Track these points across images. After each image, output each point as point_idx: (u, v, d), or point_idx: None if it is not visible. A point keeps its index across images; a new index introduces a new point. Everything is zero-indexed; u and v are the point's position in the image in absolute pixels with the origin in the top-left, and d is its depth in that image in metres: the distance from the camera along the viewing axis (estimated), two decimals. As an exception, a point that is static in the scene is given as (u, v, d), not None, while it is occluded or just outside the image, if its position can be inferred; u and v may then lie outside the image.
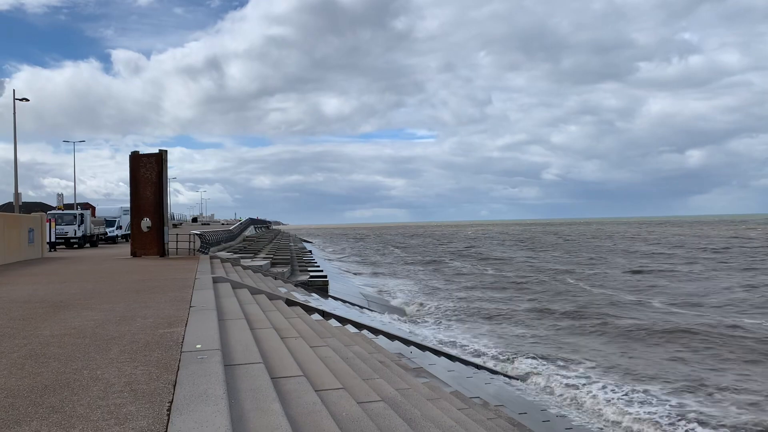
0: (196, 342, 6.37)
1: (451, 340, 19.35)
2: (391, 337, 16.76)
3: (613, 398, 12.95)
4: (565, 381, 14.43)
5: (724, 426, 11.11)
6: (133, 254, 21.99)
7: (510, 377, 15.04)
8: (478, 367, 15.72)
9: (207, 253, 23.82)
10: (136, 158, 21.90)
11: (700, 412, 11.83)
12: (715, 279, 34.01)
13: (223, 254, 25.40)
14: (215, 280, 13.83)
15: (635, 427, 11.29)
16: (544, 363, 16.19)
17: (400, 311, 25.13)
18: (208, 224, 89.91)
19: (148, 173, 21.60)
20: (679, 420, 11.47)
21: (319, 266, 34.83)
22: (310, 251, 55.51)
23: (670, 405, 12.41)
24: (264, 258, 28.98)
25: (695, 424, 11.22)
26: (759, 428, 11.03)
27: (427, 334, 20.16)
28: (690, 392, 13.24)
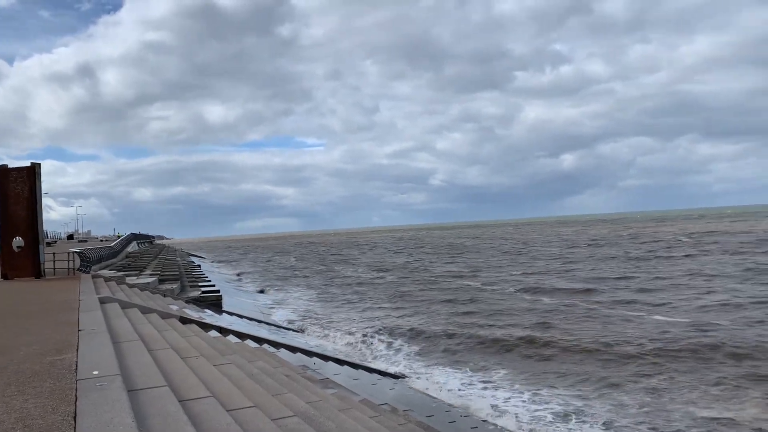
0: (92, 368, 5.86)
1: (350, 347, 19.32)
2: (293, 349, 16.49)
3: (510, 398, 13.47)
4: (465, 382, 14.83)
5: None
6: (4, 277, 20.10)
7: (413, 380, 15.23)
8: (381, 373, 15.80)
9: (88, 272, 22.24)
10: (4, 172, 20.05)
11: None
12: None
13: (106, 272, 23.85)
14: (102, 301, 12.92)
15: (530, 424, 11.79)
16: (446, 366, 16.52)
17: (297, 323, 24.77)
18: (86, 241, 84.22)
19: (19, 188, 19.81)
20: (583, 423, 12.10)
21: (210, 281, 33.58)
22: (199, 265, 53.51)
23: (558, 403, 13.08)
24: (151, 275, 27.51)
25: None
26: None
27: (326, 344, 20.00)
28: (600, 397, 14.00)
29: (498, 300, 27.91)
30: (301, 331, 23.03)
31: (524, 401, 12.99)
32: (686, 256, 45.25)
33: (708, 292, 25.95)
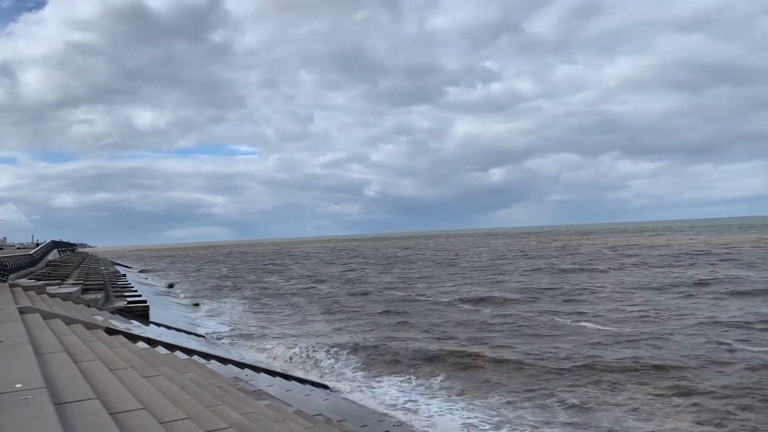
0: (15, 381, 5.59)
1: (285, 359, 19.11)
2: (224, 360, 16.15)
3: (445, 409, 13.66)
4: (401, 392, 14.95)
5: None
6: None
7: (345, 390, 15.22)
8: (314, 384, 15.70)
9: (5, 281, 21.09)
10: None
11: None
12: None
13: (25, 281, 22.65)
14: (22, 311, 12.29)
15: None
16: (380, 377, 16.59)
17: (228, 334, 24.28)
18: (1, 249, 79.68)
19: (-71, 192, 18.76)
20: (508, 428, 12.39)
21: (136, 291, 32.46)
22: (125, 275, 51.60)
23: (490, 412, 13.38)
24: (73, 284, 26.33)
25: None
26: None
27: (259, 355, 19.71)
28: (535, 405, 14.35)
29: (433, 310, 28.25)
30: (232, 342, 22.58)
31: (459, 410, 13.21)
32: (610, 268, 47.20)
33: (632, 304, 27.19)
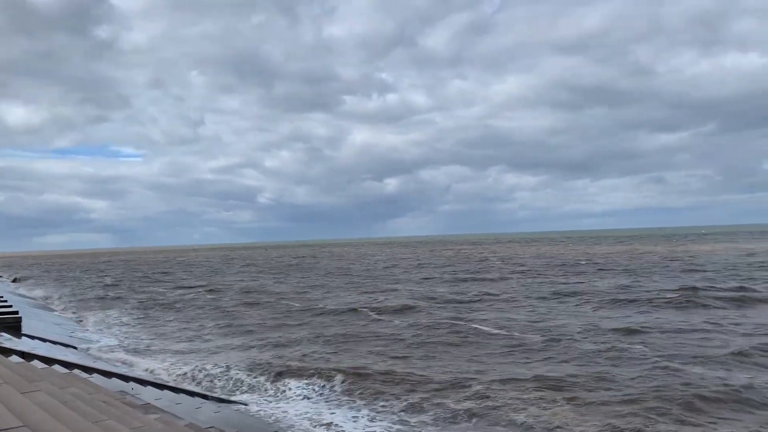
0: None
1: (171, 371, 18.42)
2: (107, 374, 15.35)
3: (348, 420, 13.73)
4: (297, 403, 14.85)
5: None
6: None
7: (238, 402, 14.92)
8: (204, 396, 15.25)
9: None
10: None
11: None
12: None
13: None
14: None
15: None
16: (278, 390, 16.38)
17: (112, 346, 23.04)
18: None
19: None
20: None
21: (6, 300, 30.01)
22: (-7, 284, 47.52)
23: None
24: (-68, 294, 23.99)
25: None
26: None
27: (144, 367, 18.87)
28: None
29: (332, 320, 28.24)
30: (116, 355, 21.44)
31: (363, 418, 13.30)
32: (501, 277, 49.38)
33: (527, 310, 28.62)
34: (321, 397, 15.22)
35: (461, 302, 32.63)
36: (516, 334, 22.18)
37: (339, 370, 17.59)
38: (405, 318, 27.39)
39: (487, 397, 14.12)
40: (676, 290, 32.70)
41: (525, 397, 14.07)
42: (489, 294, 35.74)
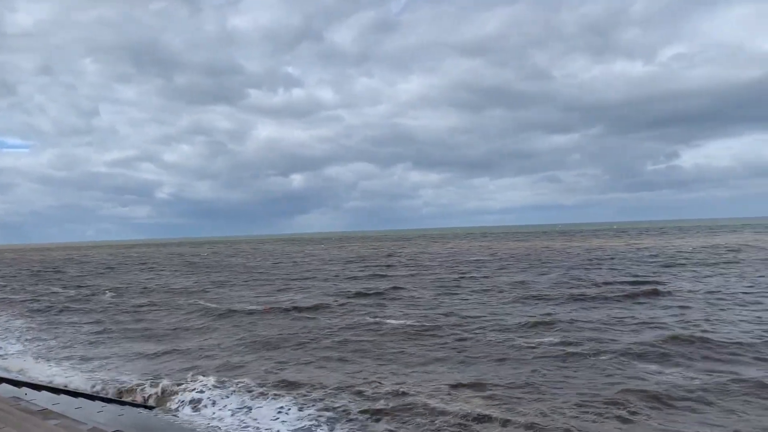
0: None
1: (68, 376, 17.41)
2: (-5, 380, 14.28)
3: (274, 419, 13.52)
4: (202, 403, 14.45)
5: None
6: None
7: (142, 406, 14.35)
8: (105, 400, 14.56)
9: None
10: None
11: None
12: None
13: None
14: None
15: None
16: (177, 389, 15.86)
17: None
18: None
19: None
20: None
21: None
22: None
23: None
24: None
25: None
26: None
27: (39, 373, 17.71)
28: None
29: (239, 320, 27.64)
30: (4, 360, 19.96)
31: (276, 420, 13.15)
32: (411, 273, 50.21)
33: (436, 305, 29.26)
34: (229, 400, 14.88)
35: (373, 296, 32.95)
36: (426, 324, 22.71)
37: (245, 366, 17.34)
38: (321, 315, 27.31)
39: (404, 393, 14.35)
40: (583, 283, 34.56)
41: (441, 392, 14.44)
42: (399, 289, 36.27)
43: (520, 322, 23.04)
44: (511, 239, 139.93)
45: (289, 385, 15.21)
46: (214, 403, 14.28)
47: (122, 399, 15.02)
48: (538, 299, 29.63)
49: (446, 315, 25.49)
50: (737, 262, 46.89)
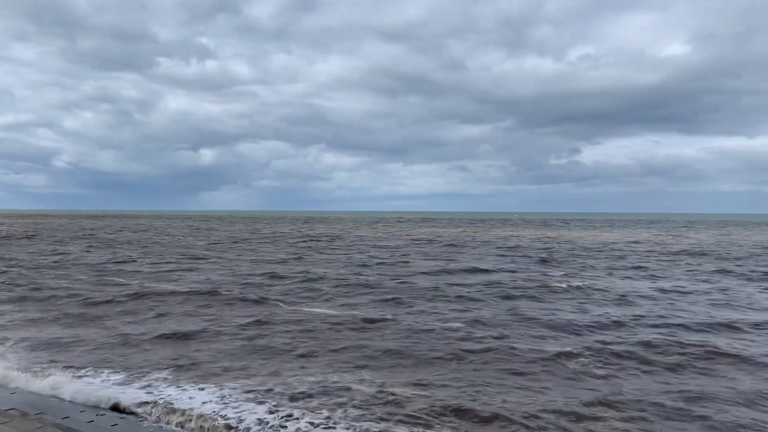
0: None
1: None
2: None
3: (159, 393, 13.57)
4: (90, 382, 14.34)
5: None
6: None
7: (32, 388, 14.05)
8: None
9: None
10: None
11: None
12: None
13: None
14: None
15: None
16: (67, 370, 15.62)
17: None
18: None
19: None
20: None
21: None
22: None
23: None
24: None
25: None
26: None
27: None
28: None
29: (145, 302, 27.05)
30: None
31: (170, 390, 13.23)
32: (334, 257, 50.42)
33: (360, 293, 29.77)
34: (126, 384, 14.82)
35: (283, 283, 32.88)
36: (344, 315, 23.28)
37: (151, 350, 17.29)
38: (212, 301, 27.21)
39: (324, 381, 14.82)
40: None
41: (351, 382, 15.04)
42: (310, 274, 36.52)
43: (451, 315, 24.16)
44: (426, 225, 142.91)
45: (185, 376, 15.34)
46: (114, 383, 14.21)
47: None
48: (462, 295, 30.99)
49: (364, 304, 26.18)
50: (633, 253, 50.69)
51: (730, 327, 20.62)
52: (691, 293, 28.79)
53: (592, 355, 16.52)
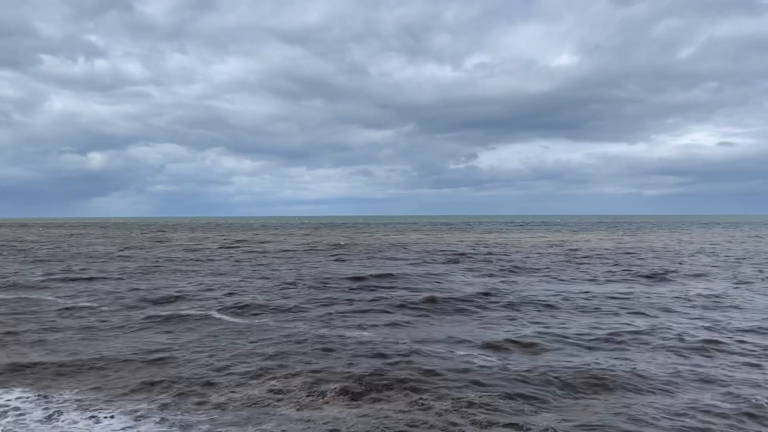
0: None
1: None
2: None
3: None
4: None
5: None
6: None
7: None
8: None
9: None
10: None
11: None
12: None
13: None
14: None
15: None
16: None
17: None
18: None
19: None
20: None
21: None
22: None
23: None
24: None
25: None
26: None
27: None
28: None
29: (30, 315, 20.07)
30: None
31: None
32: (237, 272, 44.06)
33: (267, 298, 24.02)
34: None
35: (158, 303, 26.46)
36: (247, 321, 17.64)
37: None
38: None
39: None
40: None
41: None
42: (209, 289, 30.38)
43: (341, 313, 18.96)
44: (339, 230, 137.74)
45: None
46: None
47: None
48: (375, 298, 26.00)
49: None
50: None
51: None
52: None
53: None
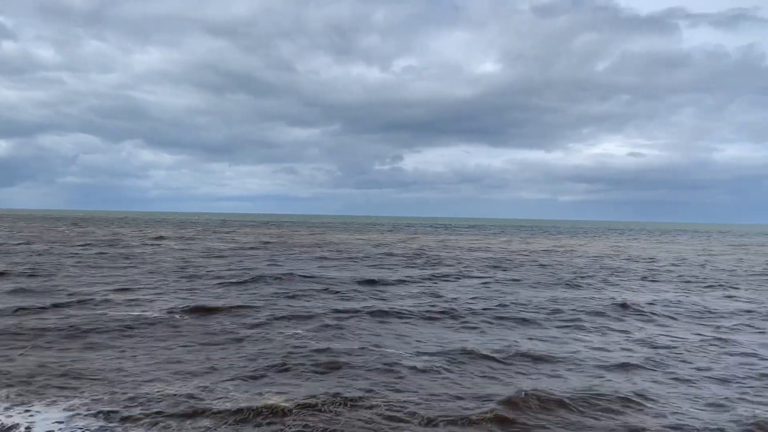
0: None
1: None
2: None
3: None
4: None
5: None
6: None
7: None
8: None
9: None
10: None
11: None
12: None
13: None
14: None
15: None
16: None
17: None
18: None
19: None
20: None
21: None
22: None
23: None
24: None
25: None
26: None
27: None
28: None
29: None
30: None
31: None
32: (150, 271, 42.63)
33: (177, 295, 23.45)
34: None
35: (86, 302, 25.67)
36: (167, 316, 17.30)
37: None
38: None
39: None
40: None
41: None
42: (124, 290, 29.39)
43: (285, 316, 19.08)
44: (262, 227, 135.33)
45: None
46: None
47: None
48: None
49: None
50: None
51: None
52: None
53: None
